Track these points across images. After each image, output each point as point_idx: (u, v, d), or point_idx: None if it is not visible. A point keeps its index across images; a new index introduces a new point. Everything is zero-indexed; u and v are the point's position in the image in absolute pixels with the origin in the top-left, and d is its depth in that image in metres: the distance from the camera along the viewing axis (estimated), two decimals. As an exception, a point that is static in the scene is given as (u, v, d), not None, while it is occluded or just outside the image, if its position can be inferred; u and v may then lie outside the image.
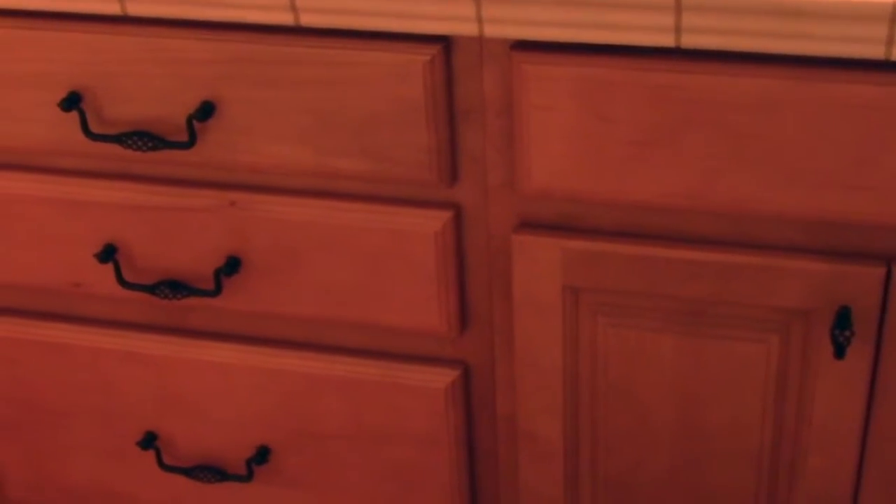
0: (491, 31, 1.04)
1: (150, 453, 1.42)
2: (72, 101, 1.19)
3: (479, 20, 1.04)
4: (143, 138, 1.19)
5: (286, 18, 1.09)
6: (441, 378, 1.26)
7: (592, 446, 1.26)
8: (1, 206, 1.29)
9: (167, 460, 1.42)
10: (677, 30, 1.00)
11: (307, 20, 1.08)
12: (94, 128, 1.20)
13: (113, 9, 1.13)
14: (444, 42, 1.09)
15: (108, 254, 1.27)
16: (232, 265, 1.24)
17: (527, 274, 1.16)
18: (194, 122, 1.17)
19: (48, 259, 1.31)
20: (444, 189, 1.17)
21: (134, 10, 1.12)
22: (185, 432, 1.39)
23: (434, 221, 1.17)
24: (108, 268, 1.29)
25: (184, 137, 1.18)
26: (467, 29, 1.05)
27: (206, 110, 1.16)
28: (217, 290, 1.25)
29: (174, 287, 1.27)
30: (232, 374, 1.33)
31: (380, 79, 1.11)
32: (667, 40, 1.01)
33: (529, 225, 1.16)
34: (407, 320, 1.23)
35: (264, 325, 1.31)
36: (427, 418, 1.28)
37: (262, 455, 1.36)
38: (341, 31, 1.11)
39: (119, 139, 1.19)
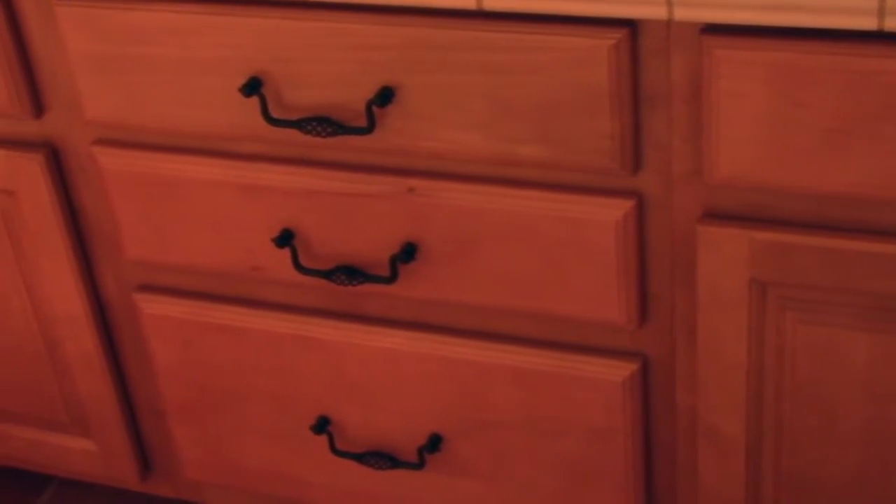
0: (681, 14, 1.01)
1: (323, 438, 1.42)
2: (252, 87, 1.19)
3: (669, 3, 1.00)
4: (322, 124, 1.18)
5: (468, 3, 1.07)
6: (619, 370, 1.23)
7: (776, 444, 1.21)
8: (181, 189, 1.30)
9: (339, 445, 1.42)
10: (881, 12, 0.95)
11: (490, 4, 1.06)
12: (274, 113, 1.20)
13: (295, -6, 1.13)
14: (630, 26, 1.06)
15: (285, 239, 1.28)
16: (408, 252, 1.23)
17: (712, 266, 1.12)
18: (374, 107, 1.16)
19: (226, 243, 1.32)
20: (626, 177, 1.13)
21: (315, -5, 1.12)
22: (358, 418, 1.39)
23: (615, 210, 1.14)
24: (285, 252, 1.29)
25: (363, 123, 1.18)
26: (656, 12, 1.01)
27: (385, 96, 1.15)
28: (393, 277, 1.24)
29: (350, 273, 1.27)
30: (405, 362, 1.32)
31: (562, 64, 1.08)
32: (869, 23, 0.96)
33: (716, 215, 1.12)
34: (584, 310, 1.21)
35: (438, 312, 1.29)
36: (603, 411, 1.26)
37: (434, 443, 1.35)
38: (522, 14, 1.08)
39: (299, 125, 1.19)
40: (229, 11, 1.17)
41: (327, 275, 1.27)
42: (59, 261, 1.42)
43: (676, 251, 1.16)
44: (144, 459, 1.59)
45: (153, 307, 1.41)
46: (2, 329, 1.52)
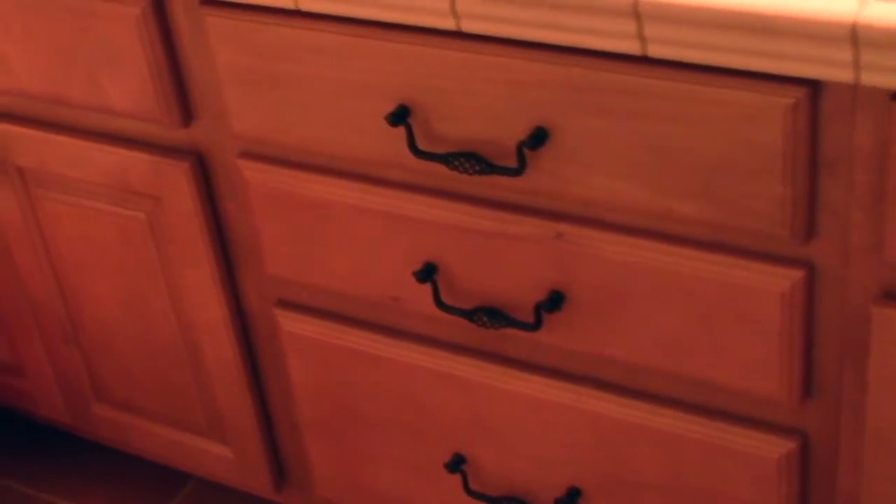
0: (869, 79, 0.89)
1: (457, 475, 1.35)
2: (400, 116, 1.12)
3: (856, 66, 0.89)
4: (470, 160, 1.11)
5: (632, 47, 0.97)
6: (775, 447, 1.13)
7: (946, 543, 1.10)
8: (325, 211, 1.25)
9: (473, 486, 1.35)
10: None
11: (655, 51, 0.97)
12: (421, 143, 1.13)
13: (446, 24, 1.05)
14: (811, 85, 0.95)
15: (427, 273, 1.21)
16: (554, 301, 1.15)
17: (887, 349, 1.01)
18: (525, 149, 1.07)
19: (367, 270, 1.26)
20: (796, 245, 1.03)
21: (469, 26, 1.04)
22: (494, 460, 1.32)
23: (782, 280, 1.03)
24: (427, 285, 1.23)
25: (512, 162, 1.09)
26: (841, 75, 0.90)
27: (538, 137, 1.06)
28: (537, 325, 1.16)
29: (493, 315, 1.19)
30: (546, 410, 1.24)
31: (733, 120, 0.98)
32: None
33: (895, 296, 1.00)
34: (740, 380, 1.11)
35: (583, 363, 1.21)
36: (755, 488, 1.15)
37: (572, 496, 1.27)
38: (691, 64, 0.98)
39: (446, 159, 1.11)
40: (382, 36, 1.10)
41: (469, 315, 1.20)
42: (202, 268, 1.39)
43: (848, 328, 1.04)
44: (280, 470, 1.55)
45: (292, 324, 1.36)
46: (145, 330, 1.50)
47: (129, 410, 1.61)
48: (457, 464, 1.33)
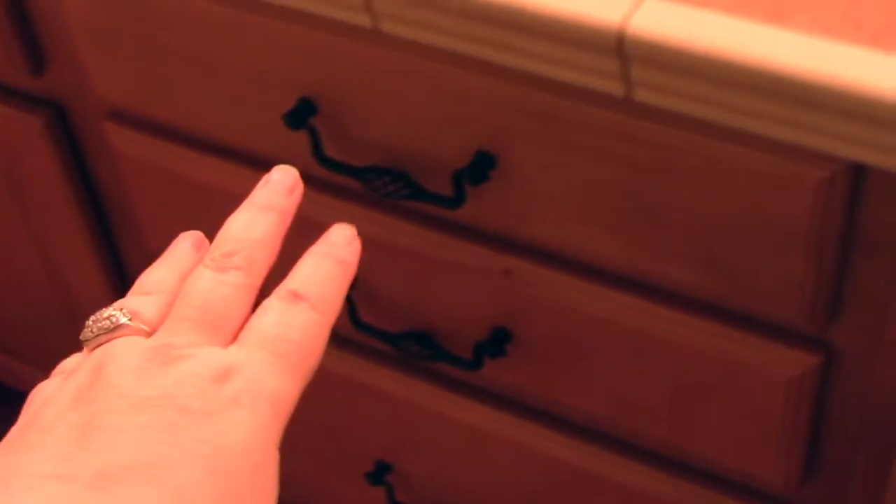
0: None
1: (380, 487, 1.15)
2: (301, 114, 0.85)
3: (920, 159, 0.64)
4: (395, 182, 0.85)
5: (613, 88, 0.71)
6: (763, 524, 0.92)
7: None
8: (212, 198, 0.99)
9: (401, 497, 1.15)
10: None
11: (644, 97, 0.70)
12: (333, 148, 0.87)
13: (361, 21, 0.77)
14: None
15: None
16: (497, 340, 0.92)
17: (918, 463, 0.79)
18: (464, 181, 0.82)
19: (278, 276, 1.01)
20: (813, 328, 0.79)
21: (390, 28, 0.76)
22: (424, 474, 1.11)
23: (791, 365, 0.80)
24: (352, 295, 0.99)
25: (448, 189, 0.84)
26: (880, 159, 0.65)
27: (480, 165, 0.81)
28: (476, 364, 0.93)
29: (423, 343, 0.96)
30: (486, 441, 1.02)
31: (745, 183, 0.73)
32: None
33: (936, 403, 0.78)
34: (727, 457, 0.89)
35: (534, 398, 0.98)
36: (736, 564, 0.96)
37: (517, 533, 1.08)
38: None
39: (362, 174, 0.86)
40: (272, 14, 0.83)
41: (393, 340, 0.97)
42: (72, 231, 1.14)
43: (868, 426, 0.82)
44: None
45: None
46: (16, 284, 1.26)
47: (15, 356, 1.40)
48: (380, 473, 1.13)
